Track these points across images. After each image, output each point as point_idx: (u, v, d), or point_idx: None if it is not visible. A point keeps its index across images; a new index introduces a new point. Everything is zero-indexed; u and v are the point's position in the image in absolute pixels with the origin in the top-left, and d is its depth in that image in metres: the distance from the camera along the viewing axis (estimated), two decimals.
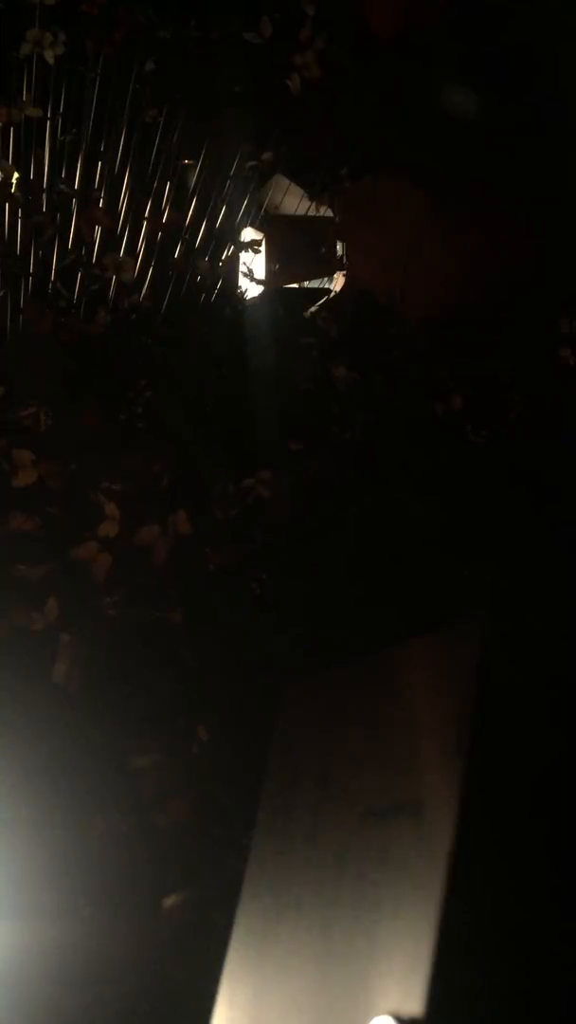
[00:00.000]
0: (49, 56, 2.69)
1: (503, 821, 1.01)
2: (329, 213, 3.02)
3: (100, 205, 2.79)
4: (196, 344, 2.77)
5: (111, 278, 2.72)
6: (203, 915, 2.16)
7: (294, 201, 3.03)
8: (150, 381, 2.62)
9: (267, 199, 3.01)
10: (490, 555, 2.50)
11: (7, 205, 2.73)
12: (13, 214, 2.74)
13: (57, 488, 2.43)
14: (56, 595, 2.34)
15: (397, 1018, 0.96)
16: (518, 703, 1.04)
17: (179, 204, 2.89)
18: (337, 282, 3.05)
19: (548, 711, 1.05)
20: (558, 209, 2.78)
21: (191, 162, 2.90)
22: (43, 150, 2.77)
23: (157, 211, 2.84)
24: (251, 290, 2.97)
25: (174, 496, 2.49)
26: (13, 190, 2.72)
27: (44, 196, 2.78)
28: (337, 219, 3.01)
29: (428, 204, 2.86)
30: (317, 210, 3.03)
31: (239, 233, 2.97)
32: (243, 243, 2.95)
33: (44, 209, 2.77)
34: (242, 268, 2.95)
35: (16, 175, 2.73)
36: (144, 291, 2.81)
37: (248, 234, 2.98)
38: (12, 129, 2.73)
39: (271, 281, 3.00)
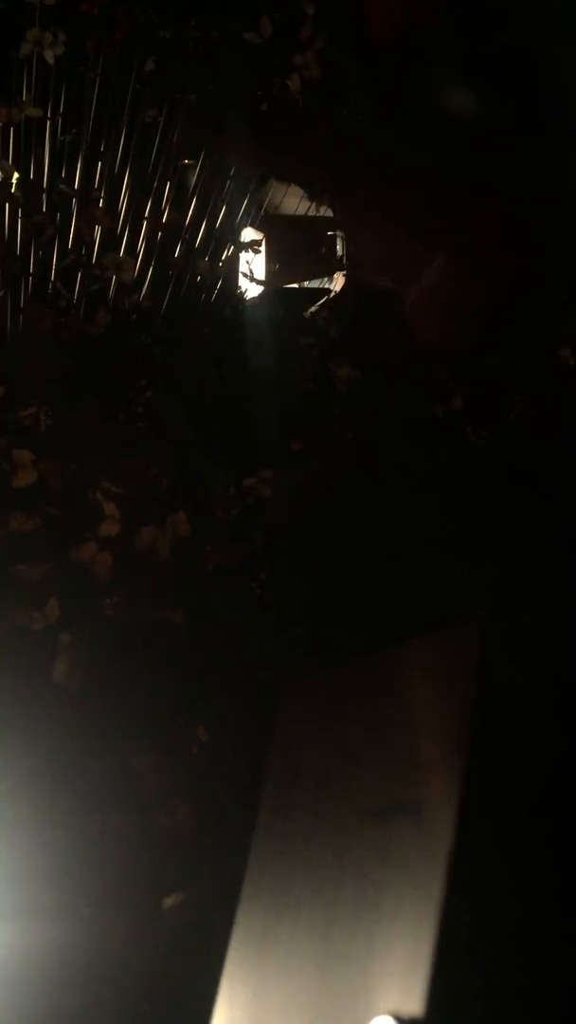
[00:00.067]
0: (49, 56, 2.69)
1: (503, 821, 1.01)
2: (329, 213, 3.03)
3: (100, 205, 2.79)
4: (196, 344, 2.77)
5: (111, 278, 2.72)
6: (203, 915, 2.16)
7: (294, 201, 3.03)
8: (150, 381, 2.62)
9: (267, 199, 3.02)
10: (490, 555, 2.50)
11: (7, 205, 2.73)
12: (13, 214, 2.74)
13: (57, 488, 2.43)
14: (56, 595, 2.34)
15: (397, 1018, 0.96)
16: (518, 703, 1.04)
17: (179, 204, 2.88)
18: (337, 282, 3.05)
19: (548, 711, 1.05)
20: (558, 209, 2.78)
21: (191, 162, 2.90)
22: (43, 150, 2.77)
23: (157, 211, 2.84)
24: (251, 290, 2.97)
25: (174, 497, 2.49)
26: (13, 190, 2.72)
27: (44, 196, 2.77)
28: (337, 219, 3.01)
29: (427, 204, 2.85)
30: (317, 210, 3.03)
31: (239, 233, 2.97)
32: (243, 243, 2.95)
33: (44, 209, 2.77)
34: (242, 268, 2.96)
35: (16, 175, 2.73)
36: (144, 291, 2.81)
37: (248, 234, 2.98)
38: (12, 129, 2.73)
39: (271, 281, 3.00)
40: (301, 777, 1.22)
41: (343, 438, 2.68)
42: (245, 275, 2.96)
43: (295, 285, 3.09)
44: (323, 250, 3.05)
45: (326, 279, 3.08)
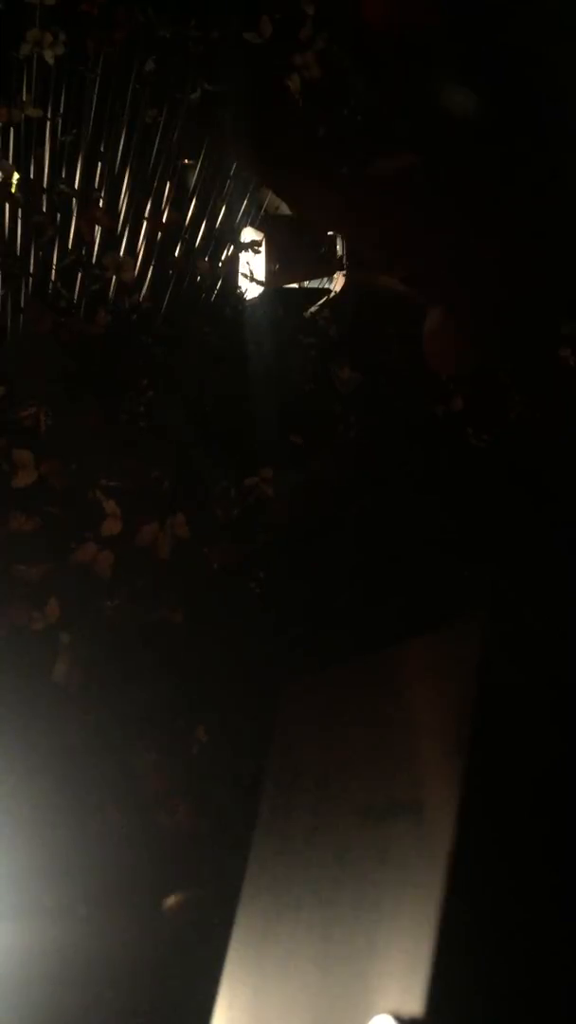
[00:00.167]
0: (49, 56, 2.69)
1: (503, 821, 1.01)
2: None
3: (100, 205, 2.79)
4: (196, 344, 2.77)
5: (111, 278, 2.72)
6: (203, 915, 2.16)
7: None
8: (150, 381, 2.62)
9: (267, 199, 3.01)
10: (490, 555, 2.50)
11: (7, 205, 2.73)
12: (13, 214, 2.74)
13: (59, 487, 2.43)
14: (56, 595, 2.34)
15: (397, 1017, 0.95)
16: (518, 703, 1.04)
17: (179, 204, 2.88)
18: (337, 282, 3.05)
19: (548, 711, 1.05)
20: (558, 209, 2.78)
21: (191, 162, 2.90)
22: (43, 150, 2.77)
23: (157, 211, 2.84)
24: (251, 290, 2.97)
25: (174, 498, 2.49)
26: (13, 190, 2.72)
27: (44, 196, 2.77)
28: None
29: (427, 203, 2.85)
30: None
31: (239, 233, 2.96)
32: (243, 243, 2.95)
33: (44, 209, 2.77)
34: (242, 268, 2.95)
35: (16, 175, 2.73)
36: (144, 291, 2.81)
37: (248, 234, 2.98)
38: (12, 129, 2.72)
39: (271, 281, 3.00)
40: (301, 777, 1.22)
41: (344, 438, 2.68)
42: (245, 275, 2.96)
43: (295, 285, 3.09)
44: (323, 250, 3.05)
45: (326, 279, 3.08)
